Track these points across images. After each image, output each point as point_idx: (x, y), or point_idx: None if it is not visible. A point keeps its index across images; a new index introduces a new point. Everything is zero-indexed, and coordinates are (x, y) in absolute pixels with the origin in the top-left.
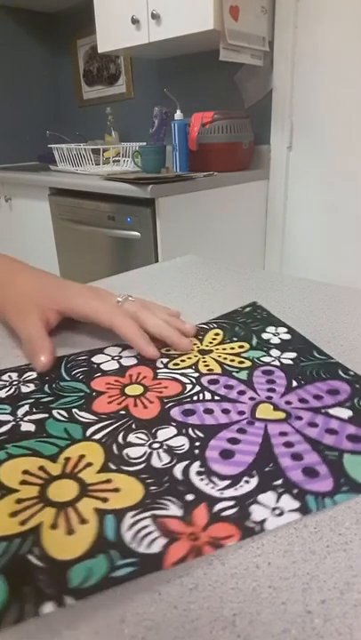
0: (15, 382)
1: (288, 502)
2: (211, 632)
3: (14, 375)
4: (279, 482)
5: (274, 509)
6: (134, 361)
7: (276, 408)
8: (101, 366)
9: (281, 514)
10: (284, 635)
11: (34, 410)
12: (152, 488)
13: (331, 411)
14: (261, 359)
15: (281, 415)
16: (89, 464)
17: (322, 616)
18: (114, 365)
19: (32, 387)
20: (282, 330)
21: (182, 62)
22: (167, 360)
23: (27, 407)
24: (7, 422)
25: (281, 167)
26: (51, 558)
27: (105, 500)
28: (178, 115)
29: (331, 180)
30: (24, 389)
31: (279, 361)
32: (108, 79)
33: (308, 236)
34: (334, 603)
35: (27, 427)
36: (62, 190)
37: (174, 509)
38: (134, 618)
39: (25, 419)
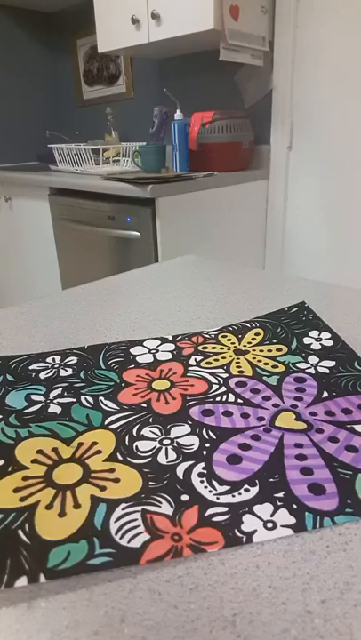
0: (57, 365)
1: (283, 517)
2: (211, 632)
3: (57, 358)
4: (280, 494)
5: (267, 522)
6: (169, 356)
7: (298, 418)
8: (137, 358)
9: (273, 527)
10: (284, 635)
11: (65, 393)
12: (151, 483)
13: (357, 427)
14: (297, 365)
15: (301, 426)
16: (98, 451)
17: (322, 616)
18: (149, 359)
19: (70, 371)
20: (325, 335)
21: (182, 62)
22: (201, 358)
23: (59, 390)
24: (38, 402)
25: (281, 167)
26: (38, 536)
27: (103, 488)
28: (178, 115)
29: (331, 179)
30: (62, 373)
31: (315, 369)
32: (108, 79)
33: (308, 235)
34: (334, 603)
35: (54, 409)
36: (62, 190)
37: (166, 507)
38: (134, 618)
39: (54, 401)
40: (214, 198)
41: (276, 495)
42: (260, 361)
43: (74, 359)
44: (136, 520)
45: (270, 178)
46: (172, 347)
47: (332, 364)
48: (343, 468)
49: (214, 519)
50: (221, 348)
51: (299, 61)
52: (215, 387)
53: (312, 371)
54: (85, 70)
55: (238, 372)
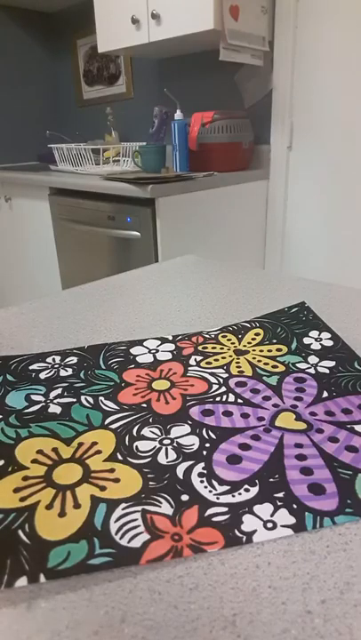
0: (57, 365)
1: (283, 517)
2: (211, 632)
3: (57, 358)
4: (280, 494)
5: (267, 522)
6: (169, 356)
7: (298, 418)
8: (137, 358)
9: (273, 527)
10: (284, 635)
11: (65, 393)
12: (151, 483)
13: (357, 427)
14: (297, 365)
15: (301, 426)
16: (98, 451)
17: (322, 616)
18: (149, 359)
19: (70, 371)
20: (325, 335)
21: (182, 62)
22: (201, 358)
23: (59, 390)
24: (38, 402)
25: (281, 167)
26: (38, 537)
27: (103, 488)
28: (178, 115)
29: (331, 179)
30: (62, 373)
31: (315, 369)
32: (108, 79)
33: (308, 235)
34: (334, 603)
35: (54, 409)
36: (62, 190)
37: (166, 507)
38: (134, 618)
39: (54, 401)
40: (214, 198)
41: (276, 495)
42: (260, 361)
43: (74, 359)
44: (136, 520)
45: (270, 178)
46: (172, 347)
47: (332, 364)
48: (343, 468)
49: (214, 519)
50: (221, 348)
51: (299, 61)
52: (215, 387)
53: (312, 371)
54: (85, 70)
55: (238, 372)
